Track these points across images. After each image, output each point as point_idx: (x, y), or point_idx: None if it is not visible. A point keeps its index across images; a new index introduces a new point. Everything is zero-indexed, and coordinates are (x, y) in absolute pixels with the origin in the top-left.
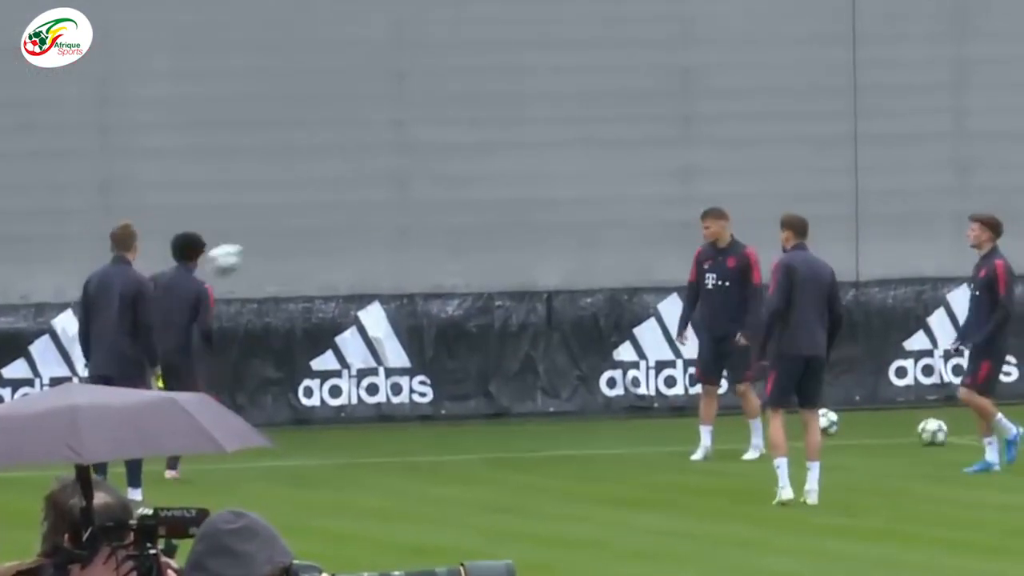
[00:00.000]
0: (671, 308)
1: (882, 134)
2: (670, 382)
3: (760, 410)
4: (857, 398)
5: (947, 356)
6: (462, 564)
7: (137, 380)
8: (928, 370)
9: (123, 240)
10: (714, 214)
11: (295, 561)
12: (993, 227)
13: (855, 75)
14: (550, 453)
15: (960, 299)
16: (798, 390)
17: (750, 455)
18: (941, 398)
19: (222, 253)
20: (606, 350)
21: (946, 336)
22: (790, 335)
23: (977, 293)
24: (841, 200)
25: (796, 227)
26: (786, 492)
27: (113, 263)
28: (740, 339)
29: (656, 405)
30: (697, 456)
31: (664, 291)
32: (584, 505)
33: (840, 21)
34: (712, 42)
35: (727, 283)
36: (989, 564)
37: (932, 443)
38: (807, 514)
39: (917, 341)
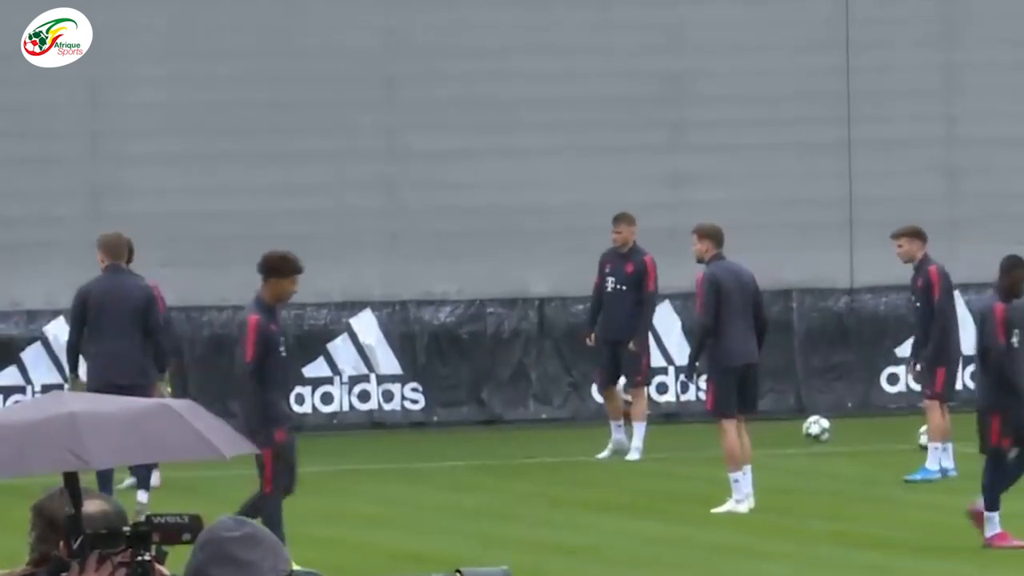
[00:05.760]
0: (662, 315)
1: (874, 140)
2: (662, 388)
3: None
4: (849, 405)
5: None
6: (458, 570)
7: (151, 388)
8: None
9: (118, 248)
10: (626, 220)
11: (296, 568)
12: (917, 235)
13: (848, 81)
14: (542, 460)
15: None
16: (738, 398)
17: (630, 455)
18: None
19: None
20: (598, 357)
21: None
22: (722, 346)
23: (918, 304)
24: (834, 206)
25: (715, 236)
26: (742, 506)
27: (113, 272)
28: (631, 346)
29: (648, 412)
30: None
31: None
32: (576, 512)
33: (832, 27)
34: (702, 48)
35: (624, 287)
36: (979, 571)
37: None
38: (798, 520)
39: (909, 348)
